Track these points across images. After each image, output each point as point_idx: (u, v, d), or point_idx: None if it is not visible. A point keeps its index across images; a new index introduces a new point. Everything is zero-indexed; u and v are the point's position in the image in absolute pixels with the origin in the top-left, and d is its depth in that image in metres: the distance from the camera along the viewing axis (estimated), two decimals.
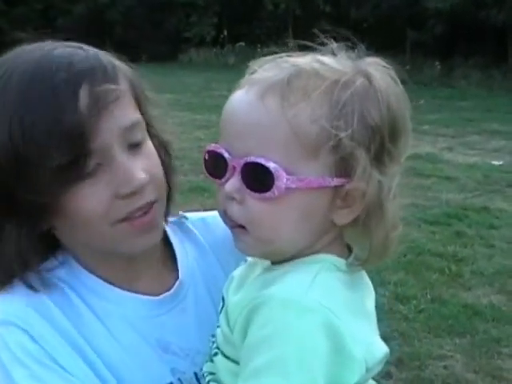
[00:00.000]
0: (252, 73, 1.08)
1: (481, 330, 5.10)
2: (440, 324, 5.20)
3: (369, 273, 1.18)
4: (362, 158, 1.01)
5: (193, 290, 1.32)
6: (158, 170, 1.20)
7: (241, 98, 1.05)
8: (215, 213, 1.15)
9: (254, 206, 1.04)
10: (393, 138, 1.05)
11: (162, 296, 1.27)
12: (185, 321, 1.28)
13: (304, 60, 1.06)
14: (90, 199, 1.11)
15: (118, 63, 1.19)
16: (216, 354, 1.13)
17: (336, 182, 1.03)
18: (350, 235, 1.13)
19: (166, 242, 1.35)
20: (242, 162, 1.03)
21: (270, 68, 1.07)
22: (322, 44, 1.09)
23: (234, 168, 1.04)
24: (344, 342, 0.99)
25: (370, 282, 1.18)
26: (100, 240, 1.17)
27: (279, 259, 1.10)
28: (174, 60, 24.89)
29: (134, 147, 1.16)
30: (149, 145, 1.20)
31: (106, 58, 1.17)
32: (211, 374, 1.15)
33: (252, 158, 1.01)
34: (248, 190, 1.03)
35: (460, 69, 21.46)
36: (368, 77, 1.05)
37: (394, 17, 22.08)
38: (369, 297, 1.16)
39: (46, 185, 1.09)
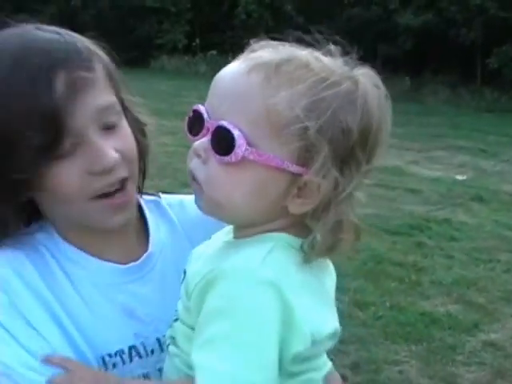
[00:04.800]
0: (251, 51, 1.14)
1: (437, 338, 5.20)
2: (397, 331, 5.27)
3: None
4: (324, 153, 1.05)
5: (161, 263, 1.39)
6: (131, 150, 1.28)
7: (232, 68, 1.12)
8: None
9: (214, 167, 1.09)
10: (364, 147, 1.09)
11: (129, 265, 1.35)
12: (150, 290, 1.35)
13: (301, 51, 1.12)
14: (66, 176, 1.19)
15: (93, 48, 1.26)
16: (176, 319, 1.21)
17: (295, 168, 1.07)
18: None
19: (141, 216, 1.43)
20: (215, 124, 1.09)
21: (268, 50, 1.13)
22: (319, 42, 1.13)
23: (208, 129, 1.10)
24: (293, 316, 1.05)
25: (330, 263, 1.23)
26: (77, 214, 1.25)
27: (236, 225, 1.18)
28: (146, 66, 24.80)
29: (109, 129, 1.24)
30: (124, 127, 1.28)
31: (83, 43, 1.24)
32: (171, 338, 1.22)
33: (223, 123, 1.07)
34: (212, 152, 1.09)
35: (429, 85, 21.66)
36: (355, 82, 1.09)
37: (365, 31, 22.21)
38: (327, 276, 1.22)
39: (26, 163, 1.17)
